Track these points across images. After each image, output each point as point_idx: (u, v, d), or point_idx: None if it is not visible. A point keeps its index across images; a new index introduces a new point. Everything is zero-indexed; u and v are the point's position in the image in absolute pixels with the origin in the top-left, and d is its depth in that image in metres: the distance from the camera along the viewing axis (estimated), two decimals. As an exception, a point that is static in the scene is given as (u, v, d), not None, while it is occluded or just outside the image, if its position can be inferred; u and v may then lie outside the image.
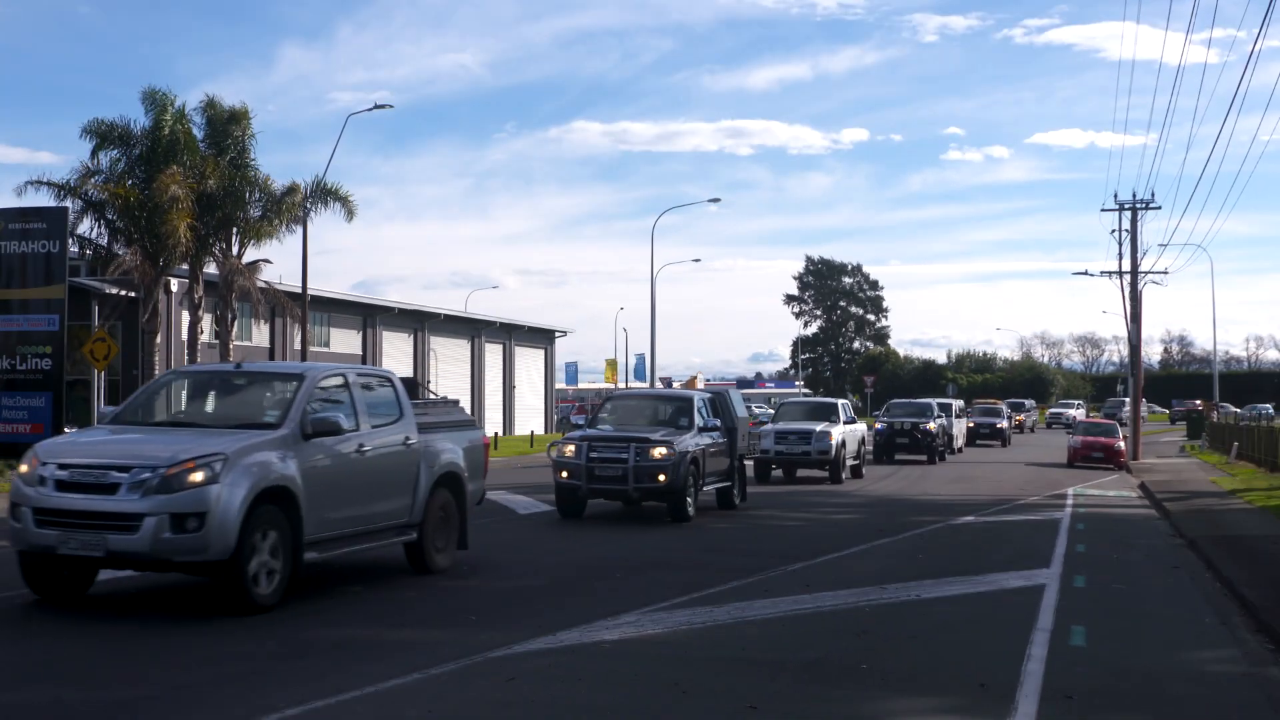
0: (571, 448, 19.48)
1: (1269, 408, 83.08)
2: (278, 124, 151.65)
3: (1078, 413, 77.90)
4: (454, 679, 8.32)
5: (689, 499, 19.24)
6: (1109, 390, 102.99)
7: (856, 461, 31.30)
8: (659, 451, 18.90)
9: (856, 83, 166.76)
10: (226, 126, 36.99)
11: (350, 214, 38.34)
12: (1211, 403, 63.75)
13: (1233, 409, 70.57)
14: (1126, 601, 12.42)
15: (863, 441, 32.21)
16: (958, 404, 49.25)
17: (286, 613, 10.89)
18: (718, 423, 20.82)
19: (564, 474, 19.38)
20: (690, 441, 19.50)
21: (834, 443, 29.06)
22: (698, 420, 20.12)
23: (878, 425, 40.27)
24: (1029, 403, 76.34)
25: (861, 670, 8.79)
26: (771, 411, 40.21)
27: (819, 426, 29.51)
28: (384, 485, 12.32)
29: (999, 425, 54.02)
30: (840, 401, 32.62)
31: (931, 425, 38.59)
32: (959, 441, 46.07)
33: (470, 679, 8.34)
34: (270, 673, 8.50)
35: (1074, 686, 8.41)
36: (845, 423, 30.49)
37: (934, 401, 42.83)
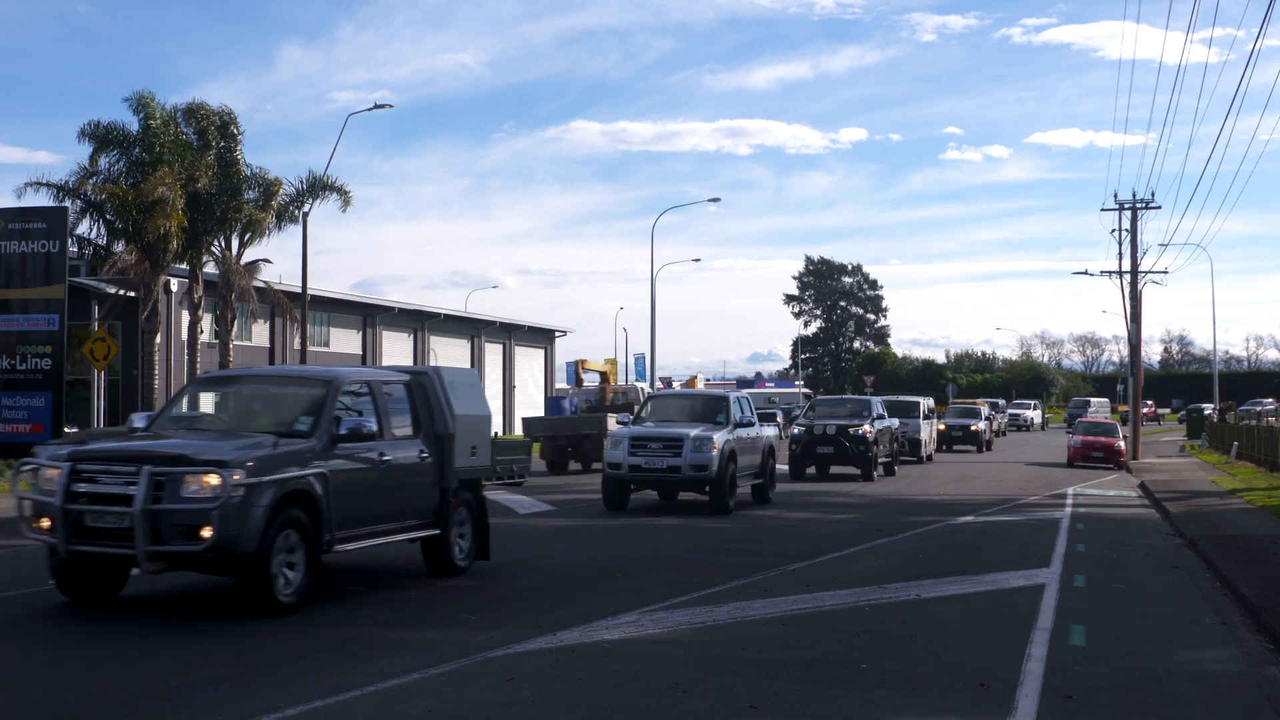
0: (53, 475, 10.64)
1: (1207, 407, 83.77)
2: (278, 123, 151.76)
3: (1035, 414, 77.00)
4: (454, 679, 8.33)
5: (283, 573, 10.63)
6: (1109, 390, 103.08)
7: (759, 480, 23.05)
8: (205, 482, 10.12)
9: (856, 82, 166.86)
10: (212, 126, 37.24)
11: (346, 203, 38.54)
12: (1229, 403, 63.64)
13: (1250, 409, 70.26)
14: (1126, 601, 12.43)
15: (770, 452, 23.68)
16: (927, 403, 42.17)
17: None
18: (374, 427, 11.77)
19: (42, 522, 10.62)
20: (298, 461, 10.91)
21: (715, 454, 20.57)
22: (329, 423, 11.43)
23: (793, 429, 32.04)
24: (1000, 402, 73.21)
25: (861, 670, 8.79)
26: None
27: (695, 431, 20.93)
28: None
29: (974, 428, 48.19)
30: (735, 395, 23.50)
31: (866, 429, 30.06)
32: (928, 447, 39.36)
33: (470, 679, 8.34)
34: (270, 673, 8.50)
35: (1074, 686, 8.41)
36: (739, 425, 22.05)
37: (874, 399, 34.23)
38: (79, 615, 10.66)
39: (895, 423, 33.60)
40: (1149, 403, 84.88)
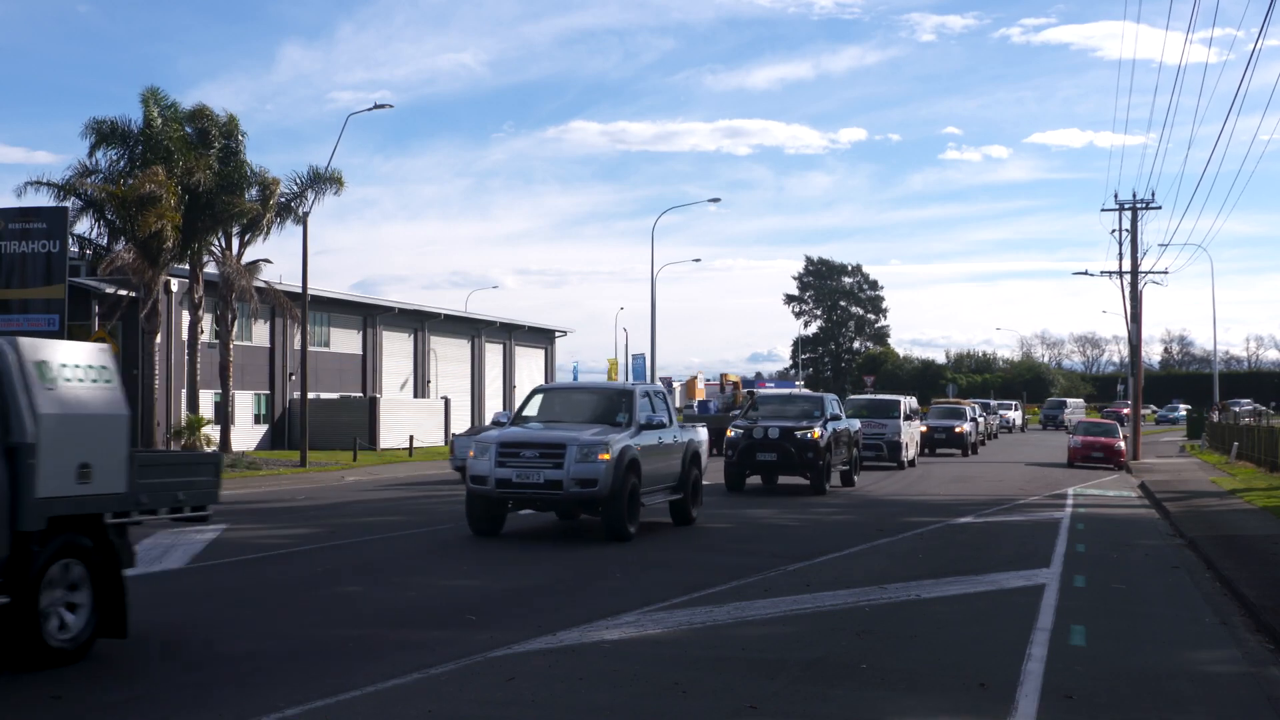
0: None
1: (1182, 407, 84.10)
2: (278, 123, 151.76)
3: (1015, 415, 76.20)
4: (454, 679, 8.33)
5: None
6: (1109, 390, 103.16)
7: (678, 495, 18.73)
8: None
9: (856, 82, 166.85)
10: (215, 128, 37.44)
11: (339, 188, 38.75)
12: (1223, 403, 63.74)
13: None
14: (1126, 601, 12.43)
15: (693, 459, 19.22)
16: (908, 403, 38.08)
17: (286, 613, 10.90)
18: None
19: None
20: None
21: (608, 465, 16.32)
22: None
23: (730, 432, 26.82)
24: (992, 403, 69.38)
25: (861, 670, 8.79)
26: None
27: (584, 435, 16.67)
28: None
29: (958, 430, 44.54)
30: (643, 388, 18.74)
31: (816, 432, 25.48)
32: (909, 451, 36.10)
33: (470, 679, 8.34)
34: (270, 673, 8.51)
35: (1074, 686, 8.41)
36: (647, 426, 17.67)
37: (827, 396, 29.37)
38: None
39: (855, 424, 29.48)
40: (1128, 403, 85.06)
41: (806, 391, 36.57)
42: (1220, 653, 10.01)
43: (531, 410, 18.50)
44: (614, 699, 7.83)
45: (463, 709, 7.58)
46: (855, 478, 28.54)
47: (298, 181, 38.75)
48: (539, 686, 8.12)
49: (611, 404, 18.14)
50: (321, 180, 38.46)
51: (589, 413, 18.09)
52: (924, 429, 42.24)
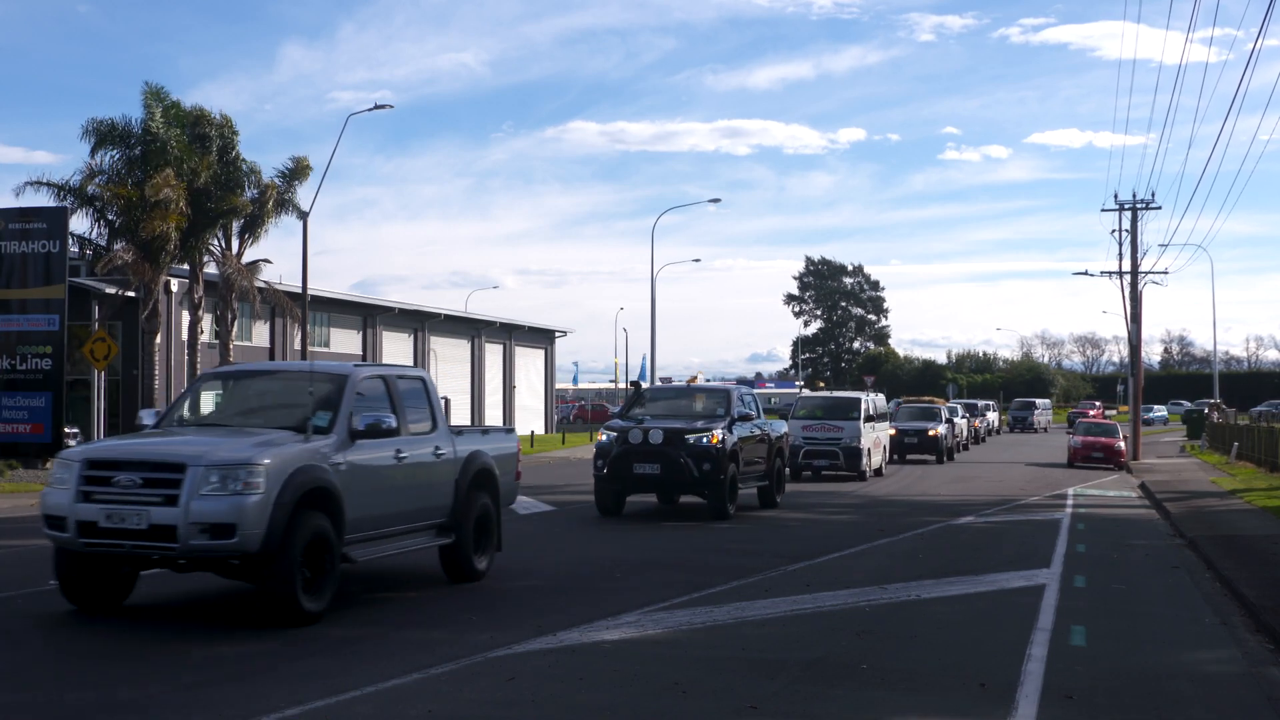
0: None
1: (1157, 408, 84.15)
2: (278, 123, 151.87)
3: (993, 415, 74.26)
4: (454, 679, 8.33)
5: None
6: (1109, 390, 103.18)
7: (449, 538, 12.49)
8: None
9: (856, 82, 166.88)
10: (214, 130, 37.67)
11: (306, 170, 39.20)
12: (1217, 403, 63.86)
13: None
14: (1126, 601, 12.43)
15: (476, 482, 12.79)
16: (873, 401, 33.05)
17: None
18: None
19: None
20: None
21: (259, 501, 9.70)
22: None
23: (602, 435, 20.93)
24: (978, 403, 65.02)
25: (861, 670, 8.80)
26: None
27: (229, 447, 10.03)
28: None
29: (931, 433, 39.25)
30: (367, 371, 11.95)
31: (715, 436, 19.58)
32: (874, 459, 31.51)
33: (470, 679, 8.34)
34: (270, 673, 8.51)
35: (1074, 686, 8.41)
36: (371, 434, 11.01)
37: (738, 390, 22.20)
38: (81, 618, 10.66)
39: (779, 427, 23.35)
40: (1097, 404, 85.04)
41: (710, 384, 30.72)
42: (1220, 653, 10.02)
43: (205, 406, 12.13)
44: (614, 699, 7.83)
45: (463, 709, 7.58)
46: (778, 497, 22.29)
47: (282, 174, 39.12)
48: (539, 686, 8.12)
49: (314, 399, 11.13)
50: (299, 168, 39.00)
51: (282, 412, 11.35)
52: (893, 432, 37.26)
